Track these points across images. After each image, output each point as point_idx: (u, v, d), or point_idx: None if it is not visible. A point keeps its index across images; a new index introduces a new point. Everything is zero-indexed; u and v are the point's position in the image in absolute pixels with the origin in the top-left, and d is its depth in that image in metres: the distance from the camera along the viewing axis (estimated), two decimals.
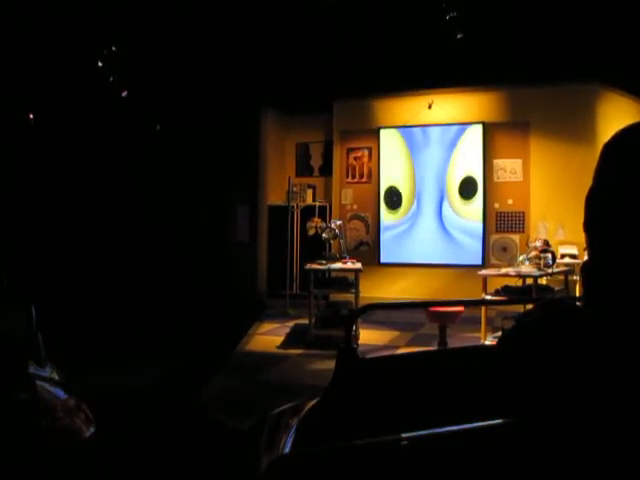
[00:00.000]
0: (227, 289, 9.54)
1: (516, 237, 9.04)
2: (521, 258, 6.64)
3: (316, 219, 8.98)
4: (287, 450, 1.44)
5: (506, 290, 6.00)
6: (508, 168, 9.05)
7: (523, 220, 9.01)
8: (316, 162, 10.57)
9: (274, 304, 9.43)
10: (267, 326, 7.70)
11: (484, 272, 6.28)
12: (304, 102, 10.01)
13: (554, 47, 8.23)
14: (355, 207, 9.84)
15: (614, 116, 8.94)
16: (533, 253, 6.14)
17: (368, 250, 9.70)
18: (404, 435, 0.77)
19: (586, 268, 0.86)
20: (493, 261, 9.14)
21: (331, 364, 5.11)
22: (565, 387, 0.77)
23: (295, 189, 10.06)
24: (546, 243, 6.65)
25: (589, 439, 0.72)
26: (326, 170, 10.41)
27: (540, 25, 8.11)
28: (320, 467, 0.77)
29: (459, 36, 8.26)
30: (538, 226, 8.90)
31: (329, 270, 6.78)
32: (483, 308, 6.07)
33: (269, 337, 7.10)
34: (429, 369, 1.68)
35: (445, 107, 9.34)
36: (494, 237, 9.16)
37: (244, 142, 10.13)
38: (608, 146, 0.88)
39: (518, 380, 0.83)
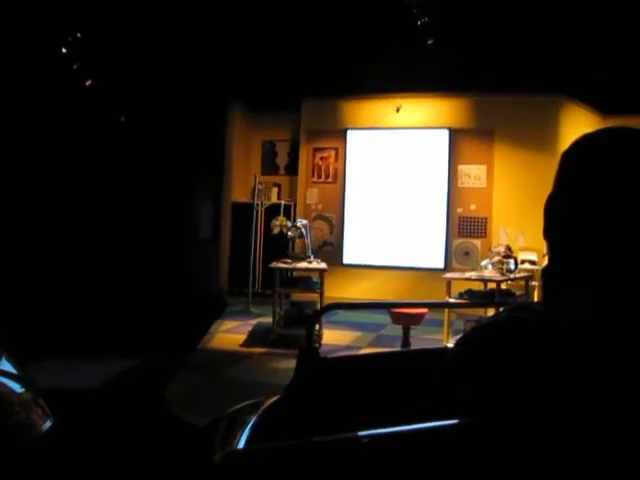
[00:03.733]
0: (188, 286, 9.41)
1: (478, 242, 9.18)
2: (484, 263, 6.74)
3: (281, 218, 8.91)
4: (241, 447, 1.42)
5: (469, 294, 6.08)
6: (472, 174, 9.19)
7: (485, 225, 9.16)
8: (282, 160, 10.52)
9: (235, 302, 9.34)
10: (229, 324, 7.62)
11: (448, 276, 6.35)
12: (272, 99, 9.95)
13: (521, 58, 8.40)
14: (320, 207, 9.84)
15: (574, 127, 9.17)
16: (496, 258, 6.24)
17: (332, 250, 9.70)
18: (364, 433, 0.76)
19: (546, 273, 0.87)
20: (455, 265, 9.25)
21: (294, 363, 5.10)
22: (522, 388, 0.78)
23: (260, 187, 9.99)
24: (508, 249, 6.77)
25: (545, 440, 0.73)
26: (292, 169, 10.38)
27: (508, 36, 8.27)
28: (269, 463, 0.77)
29: (430, 42, 8.35)
30: (499, 232, 9.05)
31: (294, 269, 6.74)
32: (446, 311, 6.13)
33: (231, 335, 7.02)
34: (389, 370, 1.70)
35: (413, 111, 9.42)
36: (457, 241, 9.28)
37: (209, 138, 10.01)
38: (565, 155, 0.90)
39: (472, 381, 0.84)
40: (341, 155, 9.76)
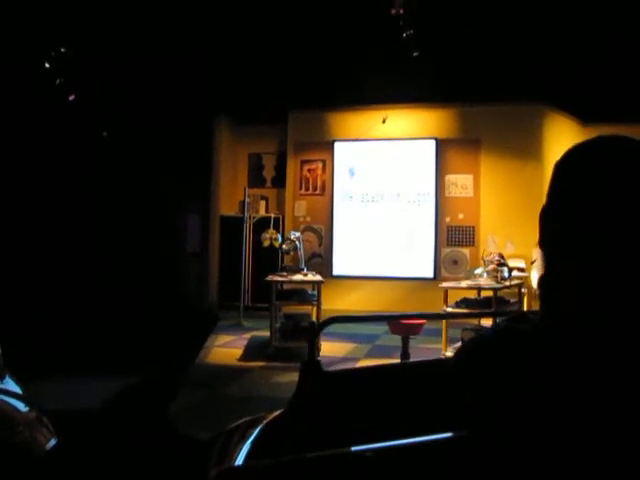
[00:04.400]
0: (178, 300, 9.34)
1: (466, 250, 9.28)
2: (479, 271, 6.81)
3: (271, 231, 8.89)
4: (240, 462, 1.42)
5: (466, 302, 6.14)
6: (459, 183, 9.30)
7: (473, 234, 9.26)
8: (269, 173, 10.53)
9: (226, 316, 9.29)
10: (224, 338, 7.57)
11: (444, 285, 6.40)
12: (258, 112, 9.97)
13: (504, 68, 8.56)
14: (308, 219, 9.85)
15: (558, 136, 9.36)
16: (491, 267, 6.30)
17: (321, 262, 9.71)
18: (358, 448, 0.77)
19: (544, 282, 0.88)
20: (444, 274, 9.34)
21: (294, 376, 5.09)
22: (521, 398, 0.79)
23: (248, 200, 9.98)
24: (501, 257, 6.85)
25: (546, 450, 0.74)
26: (279, 181, 10.39)
27: (492, 47, 8.42)
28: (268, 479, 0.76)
29: (415, 54, 8.46)
30: (488, 240, 9.14)
31: (287, 282, 6.74)
32: (444, 320, 6.17)
33: (227, 349, 6.98)
34: (392, 382, 1.72)
35: (399, 122, 9.51)
36: (445, 250, 9.36)
37: (196, 151, 9.98)
38: (558, 165, 0.91)
39: (471, 391, 0.84)
40: (328, 167, 9.80)
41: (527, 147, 9.02)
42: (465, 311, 5.84)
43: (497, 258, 6.67)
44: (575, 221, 0.83)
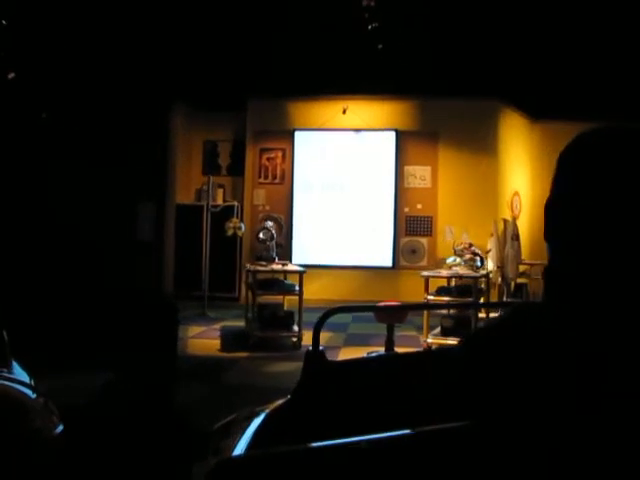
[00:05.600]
0: (129, 290, 9.06)
1: (424, 240, 9.55)
2: (450, 260, 7.03)
3: (234, 219, 8.81)
4: (241, 452, 1.46)
5: (447, 290, 6.35)
6: (418, 174, 9.54)
7: (431, 224, 9.54)
8: (224, 161, 10.37)
9: (185, 306, 9.10)
10: (194, 329, 7.43)
11: (426, 273, 6.57)
12: (215, 99, 9.79)
13: (462, 64, 8.83)
14: (267, 208, 9.81)
15: (510, 130, 9.78)
16: (468, 256, 6.54)
17: (280, 251, 9.67)
18: (360, 439, 0.78)
19: (550, 273, 0.89)
20: (403, 263, 9.58)
21: (285, 366, 5.21)
22: (529, 388, 0.79)
23: (205, 188, 9.82)
24: (471, 246, 7.12)
25: (558, 442, 0.75)
26: (235, 169, 10.26)
27: (452, 43, 8.67)
28: (264, 470, 0.77)
29: (380, 46, 8.58)
30: (445, 230, 9.47)
31: (269, 272, 6.72)
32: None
33: (203, 340, 6.88)
34: (396, 372, 1.75)
35: (359, 113, 9.62)
36: (404, 240, 9.59)
37: (149, 137, 9.68)
38: (562, 156, 0.91)
39: (484, 381, 0.85)
40: (288, 155, 9.78)
41: (483, 141, 9.38)
42: (469, 300, 6.02)
43: (467, 247, 6.92)
44: (583, 211, 0.84)
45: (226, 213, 9.15)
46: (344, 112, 9.59)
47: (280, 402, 1.79)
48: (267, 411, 1.75)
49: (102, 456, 3.46)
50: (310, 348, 1.86)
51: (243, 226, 8.81)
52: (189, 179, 10.26)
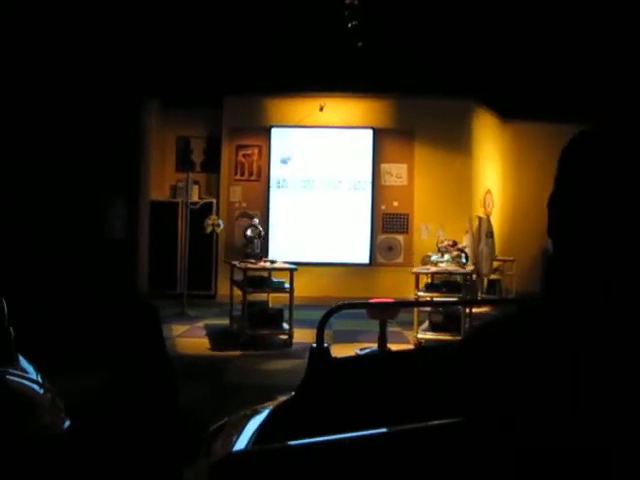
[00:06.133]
0: (102, 289, 8.85)
1: (401, 237, 9.67)
2: (434, 257, 7.14)
3: (213, 217, 8.72)
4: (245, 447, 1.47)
5: (436, 286, 6.45)
6: (394, 172, 9.64)
7: (407, 222, 9.66)
8: (198, 157, 10.24)
9: (162, 305, 8.94)
10: (178, 328, 7.33)
11: (416, 270, 6.66)
12: (190, 95, 9.65)
13: (438, 64, 8.97)
14: (244, 205, 9.73)
15: (483, 131, 10.00)
16: (455, 253, 6.66)
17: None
18: (359, 434, 0.79)
19: (554, 268, 0.90)
20: (380, 260, 9.67)
21: (282, 364, 5.24)
22: (531, 384, 0.80)
23: (180, 185, 9.69)
24: (455, 244, 7.26)
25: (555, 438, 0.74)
26: (209, 166, 10.14)
27: (428, 43, 8.80)
28: (267, 465, 0.78)
29: (359, 44, 8.62)
30: (421, 228, 9.61)
31: (261, 270, 6.67)
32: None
33: (191, 339, 6.79)
34: (401, 368, 1.77)
35: (337, 110, 9.65)
36: (380, 237, 9.68)
37: (122, 133, 9.47)
38: (565, 153, 0.92)
39: (485, 379, 0.85)
40: (265, 153, 9.73)
41: (457, 140, 9.55)
42: (459, 296, 6.12)
43: (451, 245, 7.05)
44: (582, 209, 0.85)
45: (204, 210, 9.05)
46: (321, 109, 9.61)
47: (284, 399, 1.80)
48: (271, 408, 1.76)
49: (106, 454, 3.42)
50: (314, 345, 1.88)
51: (222, 223, 8.73)
52: (162, 175, 10.09)
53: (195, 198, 9.76)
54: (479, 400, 0.83)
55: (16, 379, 2.64)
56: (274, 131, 9.68)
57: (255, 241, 6.97)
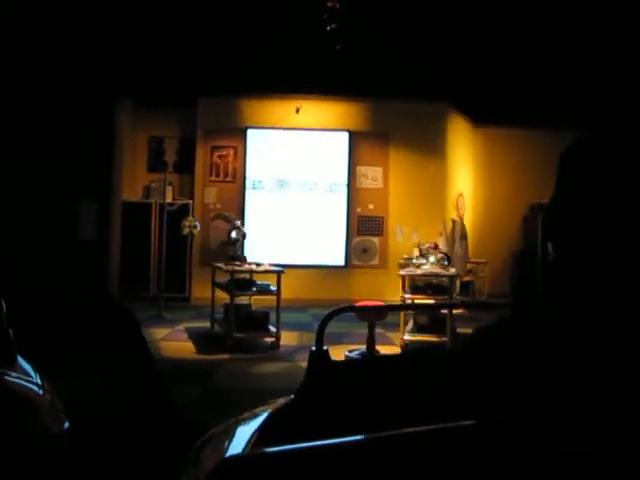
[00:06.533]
0: (71, 292, 8.62)
1: (376, 240, 9.74)
2: (416, 260, 7.21)
3: (190, 218, 8.59)
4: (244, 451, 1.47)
5: (424, 288, 6.51)
6: (370, 175, 9.71)
7: (382, 224, 9.74)
8: (170, 158, 10.08)
9: (135, 308, 8.75)
10: (159, 332, 7.19)
11: (403, 272, 6.71)
12: (162, 94, 9.50)
13: (415, 68, 9.08)
14: (219, 206, 9.63)
15: (457, 135, 10.17)
16: (440, 255, 6.75)
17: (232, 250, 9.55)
18: (357, 438, 0.80)
19: (556, 271, 0.90)
20: (355, 262, 9.72)
21: (272, 367, 5.28)
22: (535, 387, 0.80)
23: (154, 185, 9.53)
24: (437, 246, 7.36)
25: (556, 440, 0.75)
26: (182, 167, 10.01)
27: (404, 48, 8.90)
28: (264, 469, 0.78)
29: (338, 47, 8.65)
30: (396, 230, 9.70)
31: (247, 272, 6.62)
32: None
33: (175, 343, 6.67)
34: (402, 371, 1.74)
35: (313, 113, 9.66)
36: (356, 239, 9.74)
37: (94, 133, 9.26)
38: (566, 158, 0.92)
39: (488, 381, 0.85)
40: (240, 154, 9.66)
41: (432, 143, 9.69)
42: (445, 297, 6.19)
43: (438, 248, 7.15)
44: (581, 213, 0.85)
45: (178, 212, 8.92)
46: (297, 111, 9.60)
47: (283, 402, 1.80)
48: (264, 413, 1.75)
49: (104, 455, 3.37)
50: (313, 348, 1.85)
51: (198, 225, 8.62)
52: (134, 176, 9.90)
53: (169, 199, 9.61)
54: (483, 402, 0.84)
55: (16, 380, 2.60)
56: (250, 132, 9.63)
57: (238, 243, 6.90)
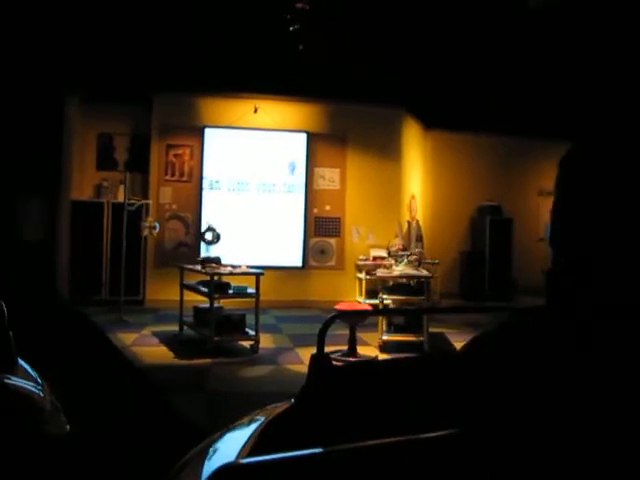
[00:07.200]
0: (18, 294, 8.15)
1: (333, 241, 9.81)
2: (387, 262, 7.36)
3: (149, 219, 8.32)
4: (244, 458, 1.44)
5: (397, 289, 6.64)
6: (327, 176, 9.78)
7: (339, 225, 9.83)
8: (121, 156, 9.72)
9: (88, 312, 8.40)
10: (127, 337, 6.93)
11: (380, 274, 6.80)
12: (114, 89, 9.14)
13: (371, 72, 9.23)
14: (174, 207, 9.40)
15: (410, 137, 10.41)
16: (413, 257, 6.91)
17: (187, 252, 9.36)
18: (350, 446, 0.79)
19: (554, 277, 0.89)
20: (312, 263, 9.76)
21: (257, 370, 5.41)
22: (528, 392, 0.80)
23: (106, 184, 9.18)
24: (405, 248, 7.53)
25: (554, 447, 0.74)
26: (133, 165, 9.66)
27: (361, 51, 9.03)
28: (263, 477, 0.77)
29: (300, 47, 8.66)
30: (352, 231, 9.82)
31: (228, 275, 6.51)
32: (380, 306, 6.60)
33: (149, 348, 6.46)
34: (404, 375, 1.76)
35: (271, 113, 9.61)
36: (313, 240, 9.77)
37: (40, 129, 8.78)
38: (564, 163, 0.91)
39: (486, 387, 0.85)
40: (197, 153, 9.46)
41: (387, 146, 9.88)
42: (422, 298, 6.32)
43: (406, 250, 7.31)
44: (581, 217, 0.85)
45: (136, 212, 8.62)
46: (255, 111, 9.52)
47: (284, 406, 1.80)
48: (269, 416, 1.77)
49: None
50: (314, 352, 1.85)
51: (158, 226, 8.38)
52: (82, 174, 9.47)
53: (120, 198, 9.28)
54: (481, 409, 0.83)
55: (20, 383, 2.62)
56: (207, 131, 9.45)
57: (213, 245, 6.77)
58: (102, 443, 3.40)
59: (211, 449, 1.70)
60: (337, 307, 6.27)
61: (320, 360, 1.81)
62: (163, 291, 9.17)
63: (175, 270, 8.97)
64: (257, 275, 6.46)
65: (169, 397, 4.74)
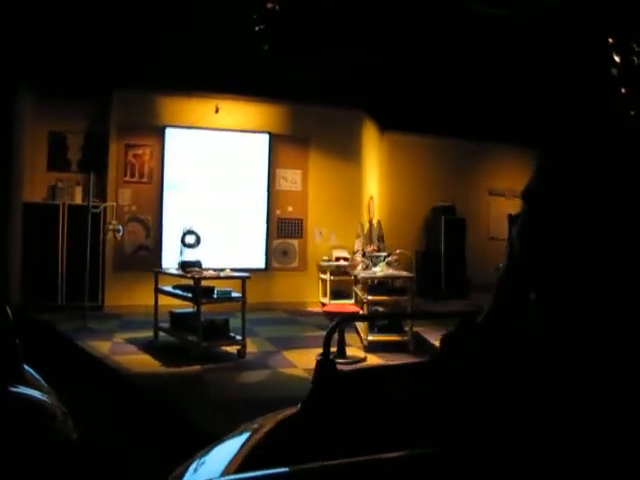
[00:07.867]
0: None
1: (295, 242, 9.80)
2: (365, 262, 7.43)
3: (114, 222, 8.00)
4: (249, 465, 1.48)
5: (380, 289, 6.73)
6: (289, 178, 9.74)
7: (301, 226, 9.82)
8: (74, 155, 9.30)
9: (45, 318, 7.99)
10: (100, 345, 6.64)
11: (363, 275, 6.84)
12: (68, 85, 8.73)
13: (334, 74, 9.28)
14: (134, 208, 9.09)
15: (369, 141, 10.54)
16: (394, 257, 7.01)
17: (148, 255, 9.09)
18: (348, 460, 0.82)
19: (538, 274, 0.88)
20: (275, 264, 9.70)
21: (250, 376, 5.56)
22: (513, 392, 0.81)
23: (61, 185, 8.76)
24: (380, 249, 7.63)
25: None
26: (88, 165, 9.24)
27: (323, 53, 9.06)
28: None
29: (266, 48, 8.59)
30: (314, 232, 9.84)
31: (214, 278, 6.37)
32: (365, 307, 6.65)
33: (131, 357, 6.22)
34: (408, 381, 1.76)
35: (232, 113, 9.47)
36: (276, 242, 9.71)
37: None
38: (528, 193, 0.92)
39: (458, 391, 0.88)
40: (157, 153, 9.19)
41: (349, 148, 9.96)
42: (405, 298, 6.39)
43: (380, 251, 7.41)
44: (566, 216, 0.85)
45: (84, 213, 8.23)
46: (217, 111, 9.35)
47: (290, 411, 1.79)
48: (278, 421, 1.76)
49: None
50: (320, 357, 1.88)
51: (122, 228, 8.09)
52: (33, 174, 8.99)
53: (77, 200, 8.88)
54: (486, 410, 0.84)
55: (31, 391, 2.56)
56: (168, 131, 9.19)
57: (194, 249, 6.61)
58: (109, 452, 3.31)
59: (197, 463, 1.65)
60: (325, 309, 6.28)
61: (326, 365, 1.81)
62: (123, 296, 8.87)
63: (135, 274, 8.73)
64: (243, 279, 6.37)
65: (173, 407, 4.60)
